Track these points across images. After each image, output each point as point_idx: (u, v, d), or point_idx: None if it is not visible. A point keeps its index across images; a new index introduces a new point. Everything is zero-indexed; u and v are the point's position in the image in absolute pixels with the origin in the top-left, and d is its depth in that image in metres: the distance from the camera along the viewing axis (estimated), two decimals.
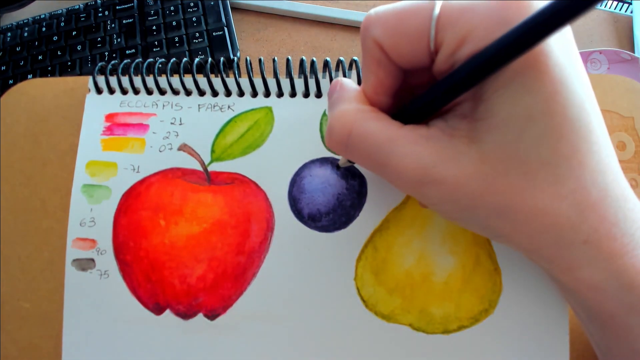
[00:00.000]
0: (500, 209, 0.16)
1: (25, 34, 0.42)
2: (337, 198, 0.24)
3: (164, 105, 0.26)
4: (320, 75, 0.25)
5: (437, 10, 0.15)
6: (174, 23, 0.40)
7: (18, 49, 0.41)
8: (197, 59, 0.26)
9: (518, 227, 0.16)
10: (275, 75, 0.25)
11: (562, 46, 0.15)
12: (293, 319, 0.23)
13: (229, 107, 0.25)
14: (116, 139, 0.25)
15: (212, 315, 0.23)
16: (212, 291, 0.23)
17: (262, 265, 0.23)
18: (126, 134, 0.25)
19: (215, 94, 0.26)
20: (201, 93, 0.26)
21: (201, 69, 0.25)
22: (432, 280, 0.23)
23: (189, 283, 0.24)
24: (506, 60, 0.13)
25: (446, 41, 0.15)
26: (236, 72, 0.26)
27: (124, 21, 0.41)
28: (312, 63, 0.24)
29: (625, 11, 0.44)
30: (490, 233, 0.18)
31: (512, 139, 0.15)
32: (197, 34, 0.39)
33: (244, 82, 0.25)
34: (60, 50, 0.40)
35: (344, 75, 0.24)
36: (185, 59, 0.26)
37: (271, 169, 0.24)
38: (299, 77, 0.25)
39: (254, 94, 0.25)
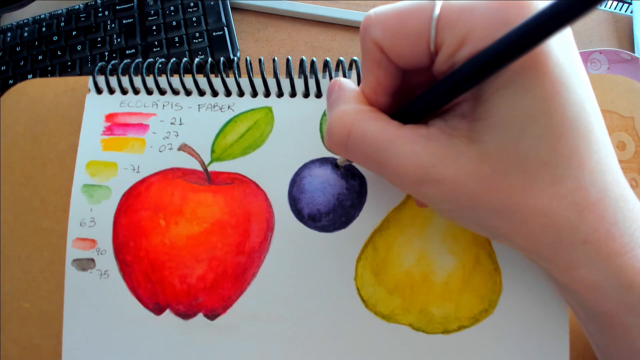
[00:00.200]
0: (499, 209, 0.16)
1: (25, 34, 0.42)
2: (337, 198, 0.24)
3: (164, 105, 0.26)
4: (320, 75, 0.25)
5: (437, 11, 0.15)
6: (174, 23, 0.40)
7: (18, 49, 0.41)
8: (197, 59, 0.26)
9: (517, 227, 0.16)
10: (275, 75, 0.25)
11: (562, 46, 0.15)
12: (293, 319, 0.23)
13: (229, 107, 0.25)
14: (116, 139, 0.25)
15: (212, 315, 0.23)
16: (212, 291, 0.23)
17: (262, 265, 0.23)
18: (126, 134, 0.25)
19: (215, 94, 0.26)
20: (201, 93, 0.26)
21: (201, 69, 0.25)
22: (432, 280, 0.23)
23: (189, 283, 0.24)
24: (506, 61, 0.13)
25: (446, 42, 0.15)
26: (236, 72, 0.26)
27: (124, 21, 0.41)
28: (312, 63, 0.24)
29: (625, 11, 0.44)
30: (490, 232, 0.18)
31: (512, 138, 0.15)
32: (197, 34, 0.39)
33: (244, 82, 0.25)
34: (60, 50, 0.40)
35: (344, 76, 0.24)
36: (185, 59, 0.26)
37: (271, 169, 0.24)
38: (299, 77, 0.25)
39: (254, 94, 0.25)
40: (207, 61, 0.25)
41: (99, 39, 0.40)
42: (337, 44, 0.41)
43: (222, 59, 0.26)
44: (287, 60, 0.24)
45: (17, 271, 0.26)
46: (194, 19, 0.40)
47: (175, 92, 0.26)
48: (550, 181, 0.15)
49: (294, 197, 0.24)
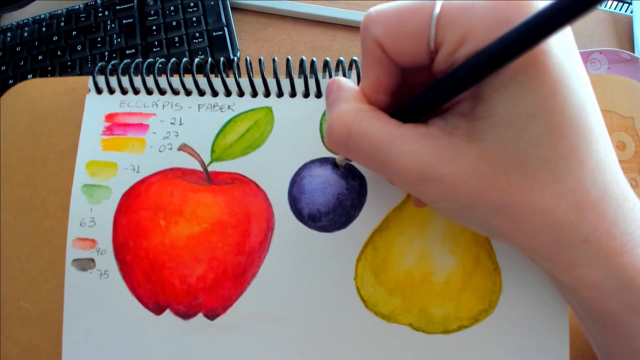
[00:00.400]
0: (499, 207, 0.16)
1: (25, 34, 0.42)
2: (337, 198, 0.24)
3: (164, 105, 0.26)
4: (320, 75, 0.25)
5: (437, 10, 0.15)
6: (174, 23, 0.40)
7: (18, 49, 0.41)
8: (197, 59, 0.26)
9: (517, 226, 0.16)
10: (275, 75, 0.25)
11: (562, 45, 0.15)
12: (293, 319, 0.23)
13: (229, 107, 0.25)
14: (116, 139, 0.25)
15: (212, 315, 0.23)
16: (212, 291, 0.23)
17: (262, 265, 0.23)
18: (126, 134, 0.25)
19: (215, 94, 0.26)
20: (201, 93, 0.26)
21: (201, 69, 0.25)
22: (432, 280, 0.23)
23: (189, 283, 0.24)
24: (506, 60, 0.13)
25: (446, 40, 0.15)
26: (236, 72, 0.26)
27: (124, 21, 0.41)
28: (312, 63, 0.24)
29: (625, 11, 0.44)
30: (490, 232, 0.18)
31: (512, 137, 0.15)
32: (197, 34, 0.39)
33: (244, 82, 0.25)
34: (60, 50, 0.40)
35: (344, 76, 0.24)
36: (185, 59, 0.26)
37: (271, 169, 0.24)
38: (299, 77, 0.25)
39: (254, 94, 0.25)
40: (207, 61, 0.25)
41: (99, 39, 0.40)
42: (337, 44, 0.41)
43: (222, 59, 0.26)
44: (287, 60, 0.24)
45: (17, 271, 0.26)
46: (194, 19, 0.40)
47: (175, 92, 0.26)
48: (550, 180, 0.15)
49: (294, 197, 0.24)
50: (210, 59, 0.26)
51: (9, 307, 0.25)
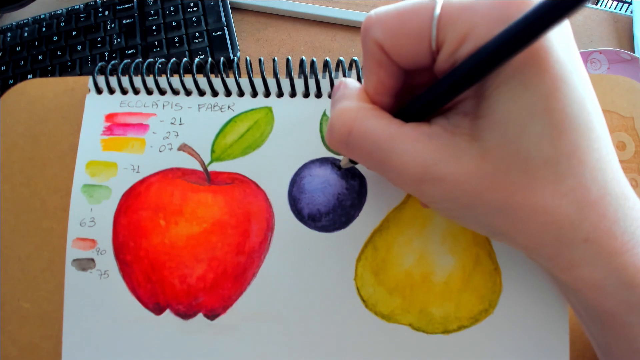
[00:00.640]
0: (500, 207, 0.16)
1: (25, 34, 0.42)
2: (337, 198, 0.24)
3: (164, 105, 0.26)
4: (320, 75, 0.25)
5: (438, 10, 0.15)
6: (174, 23, 0.40)
7: (18, 49, 0.41)
8: (197, 59, 0.26)
9: (518, 225, 0.16)
10: (275, 75, 0.25)
11: (562, 44, 0.15)
12: (293, 319, 0.23)
13: (229, 107, 0.25)
14: (116, 139, 0.25)
15: (212, 315, 0.23)
16: (212, 291, 0.23)
17: (262, 265, 0.23)
18: (126, 134, 0.25)
19: (215, 94, 0.26)
20: (201, 93, 0.26)
21: (201, 69, 0.25)
22: (432, 280, 0.23)
23: (189, 283, 0.24)
24: (506, 56, 0.13)
25: (447, 40, 0.15)
26: (236, 72, 0.26)
27: (124, 21, 0.41)
28: (312, 63, 0.24)
29: (625, 11, 0.44)
30: (491, 231, 0.18)
31: (513, 136, 0.15)
32: (197, 34, 0.39)
33: (244, 82, 0.25)
34: (60, 50, 0.40)
35: (344, 76, 0.24)
36: (185, 59, 0.26)
37: (271, 169, 0.24)
38: (299, 77, 0.25)
39: (254, 94, 0.25)
40: (207, 61, 0.25)
41: (99, 39, 0.40)
42: (337, 44, 0.41)
43: (222, 59, 0.26)
44: (287, 60, 0.24)
45: (17, 271, 0.26)
46: (194, 19, 0.40)
47: (175, 92, 0.26)
48: (551, 179, 0.15)
49: (294, 197, 0.24)
50: (210, 59, 0.26)
51: (9, 307, 0.25)
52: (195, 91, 0.26)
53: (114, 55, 0.40)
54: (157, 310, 0.24)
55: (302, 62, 0.25)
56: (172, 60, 0.26)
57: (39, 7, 0.45)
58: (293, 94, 0.25)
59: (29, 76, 0.40)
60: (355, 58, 0.24)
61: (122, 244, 0.24)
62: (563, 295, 0.21)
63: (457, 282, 0.23)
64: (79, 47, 0.40)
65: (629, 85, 0.27)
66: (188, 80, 0.26)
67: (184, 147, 0.25)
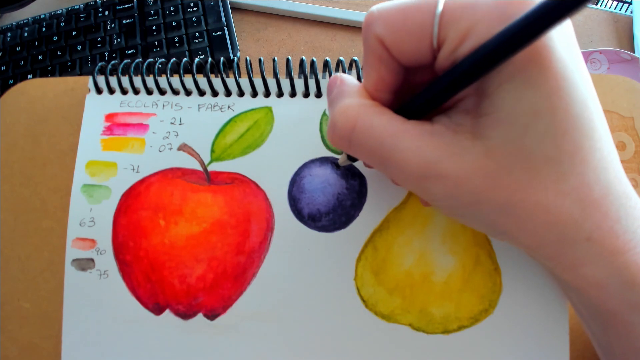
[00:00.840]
0: (503, 206, 0.16)
1: (25, 34, 0.42)
2: (337, 198, 0.24)
3: (164, 105, 0.26)
4: (320, 75, 0.25)
5: (440, 8, 0.15)
6: (174, 23, 0.40)
7: (18, 49, 0.41)
8: (197, 59, 0.26)
9: (521, 224, 0.16)
10: (275, 75, 0.25)
11: (564, 43, 0.15)
12: (293, 318, 0.23)
13: (229, 107, 0.25)
14: (116, 139, 0.25)
15: (212, 315, 0.23)
16: (212, 291, 0.23)
17: (262, 265, 0.23)
18: (126, 134, 0.25)
19: (215, 94, 0.26)
20: (201, 93, 0.26)
21: (201, 69, 0.25)
22: (432, 280, 0.23)
23: (188, 283, 0.24)
24: (507, 54, 0.13)
25: (449, 37, 0.15)
26: (236, 72, 0.26)
27: (124, 21, 0.41)
28: (312, 63, 0.24)
29: (625, 11, 0.44)
30: (493, 230, 0.18)
31: (516, 134, 0.15)
32: (197, 34, 0.39)
33: (244, 82, 0.25)
34: (60, 50, 0.40)
35: None
36: (185, 59, 0.26)
37: (271, 168, 0.24)
38: (299, 77, 0.25)
39: (254, 94, 0.25)
40: (207, 61, 0.25)
41: (99, 39, 0.40)
42: (337, 44, 0.41)
43: (222, 59, 0.26)
44: (287, 60, 0.24)
45: (17, 271, 0.26)
46: (194, 19, 0.40)
47: (175, 92, 0.26)
48: (554, 178, 0.15)
49: (294, 197, 0.24)
50: (210, 59, 0.26)
51: (9, 307, 0.25)
52: (195, 91, 0.26)
53: (114, 55, 0.40)
54: (157, 310, 0.24)
55: (302, 62, 0.25)
56: (172, 60, 0.26)
57: (39, 7, 0.45)
58: (293, 94, 0.25)
59: (29, 76, 0.40)
60: (355, 58, 0.24)
61: (121, 244, 0.24)
62: (564, 295, 0.21)
63: (457, 282, 0.23)
64: (79, 47, 0.40)
65: (629, 85, 0.27)
66: (188, 80, 0.26)
67: (183, 147, 0.25)
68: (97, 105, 0.26)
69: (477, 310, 0.23)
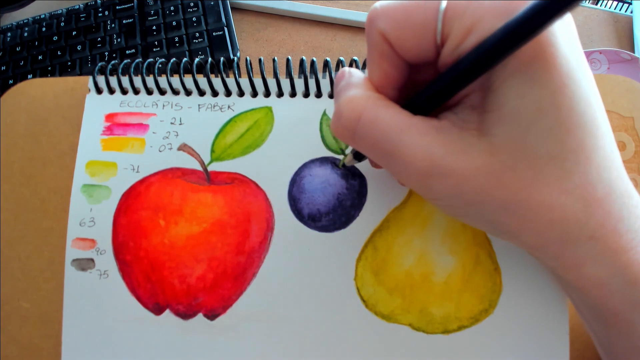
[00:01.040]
0: (506, 204, 0.16)
1: (25, 34, 0.42)
2: (337, 198, 0.24)
3: (164, 105, 0.26)
4: (320, 75, 0.25)
5: (444, 4, 0.15)
6: (174, 23, 0.40)
7: (18, 49, 0.41)
8: (197, 59, 0.26)
9: (525, 223, 0.16)
10: (275, 75, 0.25)
11: (567, 40, 0.15)
12: (293, 319, 0.23)
13: (229, 107, 0.25)
14: (116, 139, 0.25)
15: (212, 316, 0.23)
16: (212, 291, 0.23)
17: (262, 265, 0.23)
18: (126, 134, 0.25)
19: (215, 94, 0.26)
20: (201, 93, 0.26)
21: (201, 69, 0.25)
22: (432, 280, 0.23)
23: (188, 283, 0.24)
24: (510, 48, 0.13)
25: (453, 33, 0.15)
26: (236, 72, 0.26)
27: (124, 21, 0.41)
28: (312, 63, 0.24)
29: (625, 11, 0.44)
30: (495, 229, 0.18)
31: (521, 132, 0.15)
32: (197, 34, 0.39)
33: (244, 82, 0.25)
34: (60, 50, 0.40)
35: None
36: (185, 59, 0.26)
37: (271, 168, 0.24)
38: (299, 77, 0.25)
39: (254, 94, 0.25)
40: (207, 61, 0.25)
41: (99, 39, 0.40)
42: (337, 44, 0.41)
43: (222, 59, 0.26)
44: (287, 60, 0.24)
45: (17, 271, 0.26)
46: (194, 19, 0.40)
47: (175, 92, 0.26)
48: (558, 176, 0.15)
49: (294, 197, 0.24)
50: (210, 59, 0.26)
51: (9, 307, 0.25)
52: (195, 91, 0.26)
53: (114, 55, 0.40)
54: (157, 310, 0.24)
55: (302, 62, 0.25)
56: (172, 60, 0.26)
57: (39, 7, 0.45)
58: (293, 94, 0.25)
59: (29, 76, 0.40)
60: (355, 58, 0.24)
61: (121, 244, 0.24)
62: (565, 295, 0.21)
63: (457, 282, 0.23)
64: (79, 47, 0.40)
65: (629, 85, 0.27)
66: (188, 80, 0.26)
67: (183, 147, 0.25)
68: (97, 105, 0.26)
69: (477, 310, 0.23)
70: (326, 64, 0.25)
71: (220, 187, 0.24)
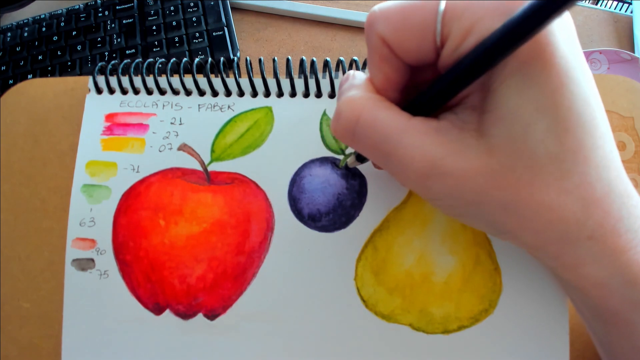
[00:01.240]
0: (505, 204, 0.16)
1: (25, 34, 0.42)
2: (337, 198, 0.24)
3: (164, 105, 0.26)
4: (320, 75, 0.25)
5: (442, 6, 0.15)
6: (174, 23, 0.40)
7: (18, 49, 0.41)
8: (197, 59, 0.26)
9: (524, 223, 0.16)
10: (275, 75, 0.25)
11: (566, 40, 0.15)
12: (293, 318, 0.23)
13: (229, 107, 0.25)
14: (116, 139, 0.25)
15: (212, 315, 0.23)
16: (212, 291, 0.23)
17: (262, 265, 0.23)
18: (126, 134, 0.25)
19: (215, 94, 0.26)
20: (201, 93, 0.26)
21: (201, 69, 0.25)
22: (432, 280, 0.23)
23: (188, 283, 0.24)
24: (509, 47, 0.13)
25: (452, 34, 0.15)
26: (236, 72, 0.26)
27: (124, 21, 0.41)
28: (312, 63, 0.24)
29: (625, 11, 0.44)
30: (495, 229, 0.18)
31: (519, 132, 0.15)
32: (197, 34, 0.39)
33: (244, 82, 0.25)
34: (60, 50, 0.40)
35: None
36: (185, 59, 0.26)
37: (271, 168, 0.24)
38: (299, 77, 0.25)
39: (254, 94, 0.25)
40: (207, 61, 0.25)
41: (99, 39, 0.40)
42: (337, 44, 0.41)
43: (222, 59, 0.26)
44: (287, 60, 0.24)
45: (17, 271, 0.26)
46: (194, 19, 0.40)
47: (175, 92, 0.26)
48: (556, 176, 0.15)
49: (294, 197, 0.24)
50: (210, 59, 0.26)
51: (9, 307, 0.25)
52: (195, 91, 0.26)
53: (114, 55, 0.40)
54: (157, 310, 0.24)
55: (302, 62, 0.25)
56: (172, 60, 0.26)
57: (39, 7, 0.45)
58: (293, 94, 0.25)
59: (29, 76, 0.40)
60: (355, 58, 0.24)
61: (121, 244, 0.24)
62: (565, 295, 0.21)
63: (457, 282, 0.23)
64: (79, 47, 0.40)
65: (629, 85, 0.27)
66: (188, 80, 0.26)
67: (183, 147, 0.25)
68: (97, 105, 0.26)
69: (477, 310, 0.23)
70: (326, 64, 0.25)
71: (220, 187, 0.24)
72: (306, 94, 0.25)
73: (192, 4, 0.41)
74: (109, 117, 0.26)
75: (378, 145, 0.16)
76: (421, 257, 0.23)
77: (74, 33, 0.41)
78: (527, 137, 0.15)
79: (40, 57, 0.40)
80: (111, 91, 0.26)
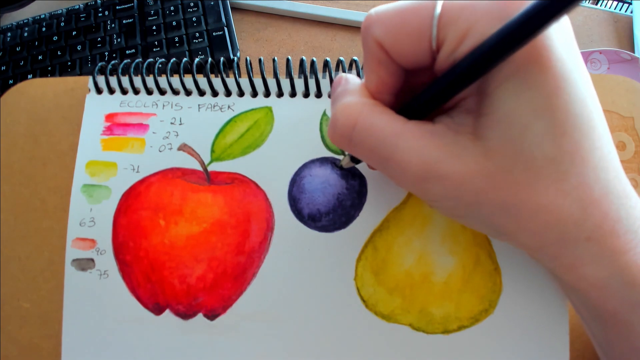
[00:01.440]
0: (504, 206, 0.16)
1: (25, 34, 0.42)
2: (337, 198, 0.24)
3: (164, 105, 0.26)
4: (320, 75, 0.25)
5: (438, 10, 0.15)
6: (174, 23, 0.40)
7: (18, 49, 0.41)
8: (197, 59, 0.26)
9: (522, 224, 0.16)
10: (275, 75, 0.25)
11: (563, 42, 0.15)
12: (293, 318, 0.23)
13: (229, 107, 0.25)
14: (116, 139, 0.25)
15: (211, 315, 0.23)
16: (212, 291, 0.23)
17: (262, 265, 0.23)
18: (126, 134, 0.25)
19: (215, 94, 0.26)
20: (201, 93, 0.26)
21: (201, 69, 0.25)
22: (432, 280, 0.23)
23: (188, 283, 0.24)
24: (505, 52, 0.13)
25: (448, 38, 0.15)
26: (236, 72, 0.26)
27: (124, 21, 0.41)
28: (312, 63, 0.24)
29: (625, 11, 0.44)
30: (494, 231, 0.18)
31: (516, 134, 0.15)
32: (197, 34, 0.39)
33: (244, 82, 0.25)
34: (60, 50, 0.40)
35: None
36: (185, 59, 0.26)
37: (271, 168, 0.24)
38: (299, 77, 0.25)
39: (254, 94, 0.25)
40: (207, 61, 0.25)
41: (99, 39, 0.40)
42: (337, 44, 0.41)
43: (222, 59, 0.26)
44: (287, 60, 0.24)
45: (17, 271, 0.26)
46: (194, 19, 0.40)
47: (175, 92, 0.26)
48: (554, 178, 0.15)
49: (294, 197, 0.24)
50: (210, 59, 0.26)
51: (9, 307, 0.25)
52: (195, 91, 0.26)
53: (114, 55, 0.40)
54: (157, 310, 0.24)
55: (302, 62, 0.25)
56: (172, 60, 0.26)
57: (39, 7, 0.45)
58: (293, 94, 0.25)
59: (29, 76, 0.40)
60: (355, 58, 0.24)
61: (121, 244, 0.24)
62: (565, 295, 0.21)
63: (457, 282, 0.23)
64: (79, 47, 0.40)
65: (629, 85, 0.27)
66: (188, 80, 0.26)
67: (183, 147, 0.25)
68: (97, 105, 0.26)
69: (477, 310, 0.23)
70: (326, 64, 0.25)
71: (220, 187, 0.24)
72: (306, 94, 0.25)
73: (192, 4, 0.41)
74: (109, 117, 0.26)
75: (375, 150, 0.17)
76: (421, 257, 0.23)
77: (74, 33, 0.41)
78: (524, 140, 0.15)
79: (40, 57, 0.40)
80: (111, 91, 0.26)
